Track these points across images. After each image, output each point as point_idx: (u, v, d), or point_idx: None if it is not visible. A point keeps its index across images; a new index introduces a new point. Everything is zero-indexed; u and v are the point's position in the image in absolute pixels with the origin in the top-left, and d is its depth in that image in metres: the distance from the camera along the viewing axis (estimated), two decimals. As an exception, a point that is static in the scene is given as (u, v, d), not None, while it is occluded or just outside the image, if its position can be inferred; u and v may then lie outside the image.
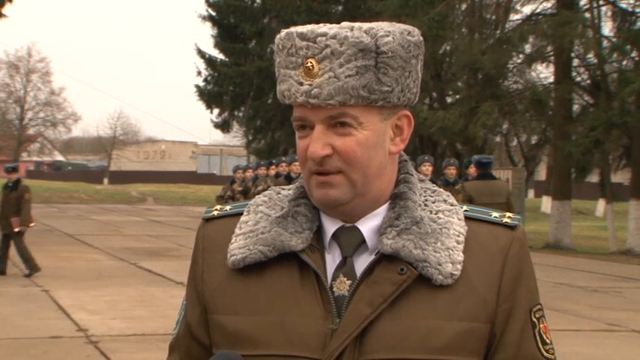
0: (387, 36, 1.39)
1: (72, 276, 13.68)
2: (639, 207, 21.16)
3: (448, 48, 26.20)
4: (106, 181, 68.03)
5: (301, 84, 1.40)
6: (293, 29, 1.42)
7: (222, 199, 19.15)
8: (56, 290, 11.99)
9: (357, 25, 1.40)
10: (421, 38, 1.47)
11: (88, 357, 8.06)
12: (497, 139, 29.61)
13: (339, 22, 1.43)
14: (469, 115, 22.71)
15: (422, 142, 29.48)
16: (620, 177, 36.98)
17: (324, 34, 1.39)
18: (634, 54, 22.04)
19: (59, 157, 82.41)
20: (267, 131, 36.51)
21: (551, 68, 25.05)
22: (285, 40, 1.42)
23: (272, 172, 16.99)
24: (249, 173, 18.31)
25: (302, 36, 1.40)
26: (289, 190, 1.54)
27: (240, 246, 1.48)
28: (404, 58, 1.41)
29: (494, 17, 24.63)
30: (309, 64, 1.39)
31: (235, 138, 65.40)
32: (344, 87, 1.38)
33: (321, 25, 1.42)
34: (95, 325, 9.50)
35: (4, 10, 25.28)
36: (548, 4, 23.73)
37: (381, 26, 1.41)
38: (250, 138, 38.62)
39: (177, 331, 1.59)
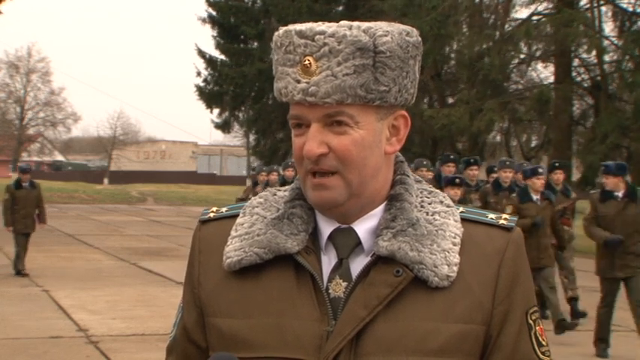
0: (386, 36, 1.39)
1: (72, 276, 13.68)
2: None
3: (449, 48, 26.20)
4: (106, 181, 67.96)
5: (298, 82, 1.39)
6: (291, 27, 1.41)
7: (242, 202, 18.52)
8: (56, 290, 11.98)
9: (355, 24, 1.40)
10: (419, 39, 1.46)
11: (88, 357, 8.06)
12: (498, 138, 29.60)
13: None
14: (474, 112, 22.71)
15: (423, 142, 29.45)
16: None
17: (322, 32, 1.38)
18: (635, 52, 22.02)
19: (59, 157, 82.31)
20: (268, 133, 36.48)
21: (551, 68, 25.04)
22: (283, 38, 1.42)
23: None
24: (274, 176, 16.30)
25: (300, 34, 1.39)
26: (285, 191, 1.54)
27: (235, 248, 1.47)
28: (402, 58, 1.41)
29: (493, 17, 24.63)
30: (307, 62, 1.38)
31: (236, 138, 65.43)
32: (341, 85, 1.37)
33: (320, 23, 1.41)
34: (95, 325, 9.50)
35: (2, 8, 25.25)
36: (549, 5, 23.72)
37: (380, 26, 1.40)
38: (253, 142, 38.58)
39: (174, 333, 1.58)
